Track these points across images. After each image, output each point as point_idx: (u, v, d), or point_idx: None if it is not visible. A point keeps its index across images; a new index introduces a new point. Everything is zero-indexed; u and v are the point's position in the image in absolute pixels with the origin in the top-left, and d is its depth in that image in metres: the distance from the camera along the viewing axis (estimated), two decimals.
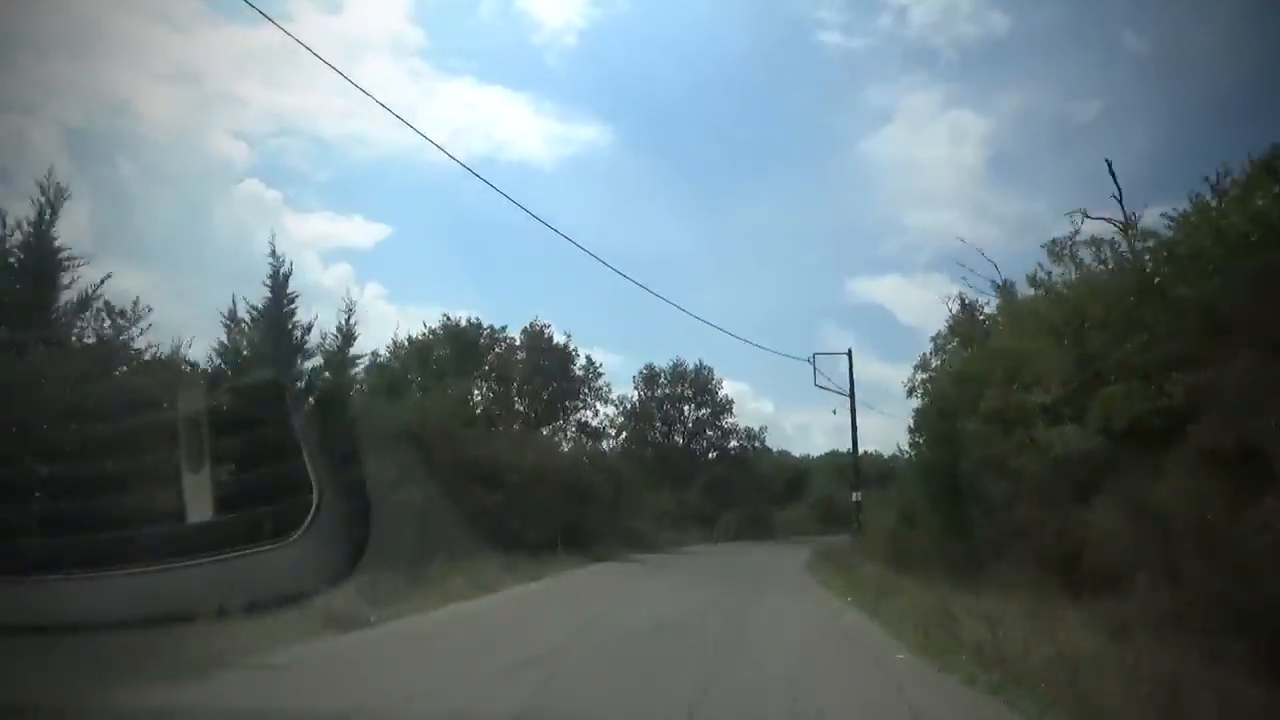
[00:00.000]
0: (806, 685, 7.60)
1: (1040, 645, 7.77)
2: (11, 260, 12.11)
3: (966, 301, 23.45)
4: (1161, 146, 47.15)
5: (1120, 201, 16.59)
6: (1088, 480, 13.16)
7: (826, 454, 76.17)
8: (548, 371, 37.74)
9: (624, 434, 52.56)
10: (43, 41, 38.08)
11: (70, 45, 43.49)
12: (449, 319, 37.54)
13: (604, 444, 39.87)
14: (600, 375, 39.41)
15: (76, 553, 7.59)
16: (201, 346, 15.85)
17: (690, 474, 51.50)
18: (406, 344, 36.25)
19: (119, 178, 47.01)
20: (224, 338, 16.53)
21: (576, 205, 64.25)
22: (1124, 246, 15.87)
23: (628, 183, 68.10)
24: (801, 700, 6.96)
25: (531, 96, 67.84)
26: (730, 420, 53.39)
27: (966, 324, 22.93)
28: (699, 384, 53.15)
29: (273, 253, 17.45)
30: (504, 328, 39.07)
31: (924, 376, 25.39)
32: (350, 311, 19.56)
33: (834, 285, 75.81)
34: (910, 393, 25.91)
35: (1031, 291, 19.77)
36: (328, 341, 18.66)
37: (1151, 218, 15.75)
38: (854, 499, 38.42)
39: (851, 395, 39.00)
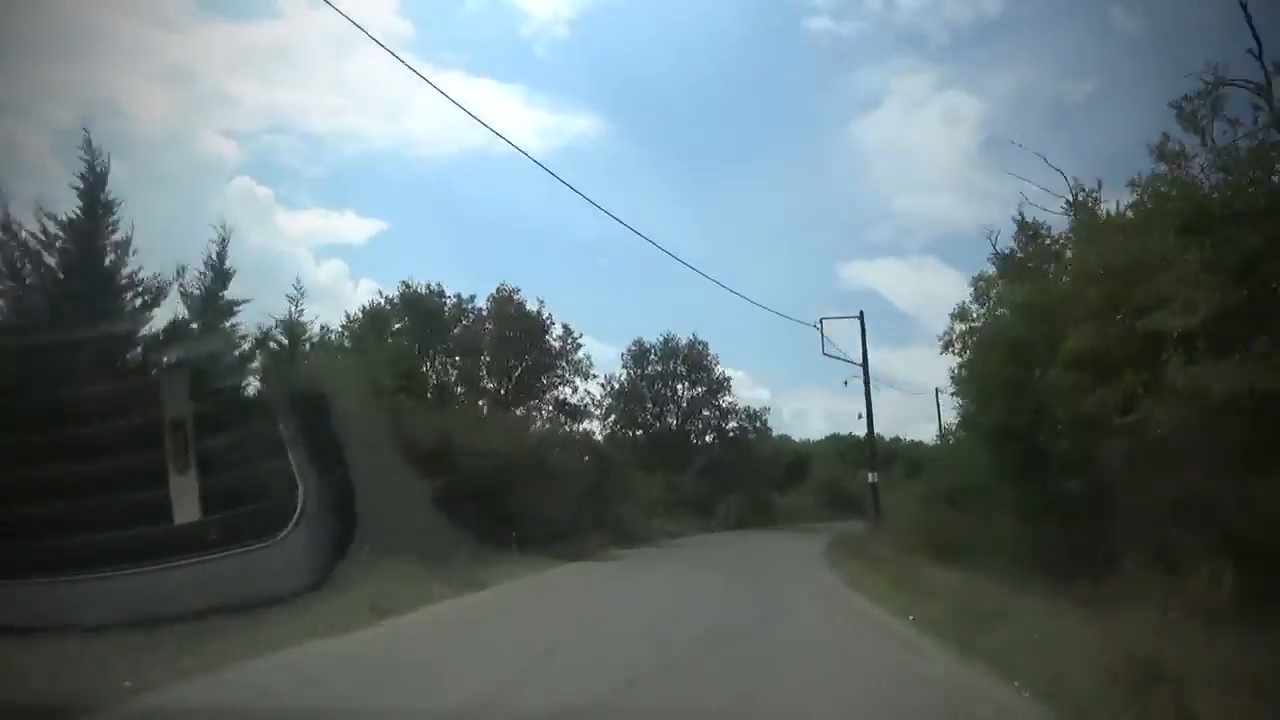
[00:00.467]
0: None
1: None
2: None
3: (1028, 221, 18.62)
4: (1154, 126, 45.24)
5: (1260, 57, 12.12)
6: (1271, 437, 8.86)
7: (828, 437, 72.44)
8: (518, 343, 33.31)
9: (612, 415, 48.25)
10: (32, 43, 36.79)
11: (60, 46, 42.68)
12: (408, 286, 33.07)
13: (587, 425, 35.43)
14: (580, 347, 35.12)
15: (65, 555, 7.49)
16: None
17: (685, 458, 47.17)
18: (360, 315, 32.03)
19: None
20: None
21: (569, 197, 66.91)
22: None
23: (620, 173, 67.74)
24: None
25: (522, 88, 68.61)
26: (728, 399, 49.11)
27: (1026, 249, 18.42)
28: (693, 360, 48.75)
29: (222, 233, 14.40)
30: (472, 297, 34.65)
31: (963, 328, 21.04)
32: (300, 295, 17.08)
33: (826, 271, 75.12)
34: (946, 347, 21.56)
35: (1126, 200, 15.22)
36: (275, 328, 16.26)
37: None
38: (869, 480, 34.17)
39: (865, 364, 34.72)
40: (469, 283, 60.79)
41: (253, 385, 14.26)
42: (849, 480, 62.69)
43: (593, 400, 35.37)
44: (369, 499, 12.19)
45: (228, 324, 14.13)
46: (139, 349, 12.41)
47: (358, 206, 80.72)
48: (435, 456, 19.05)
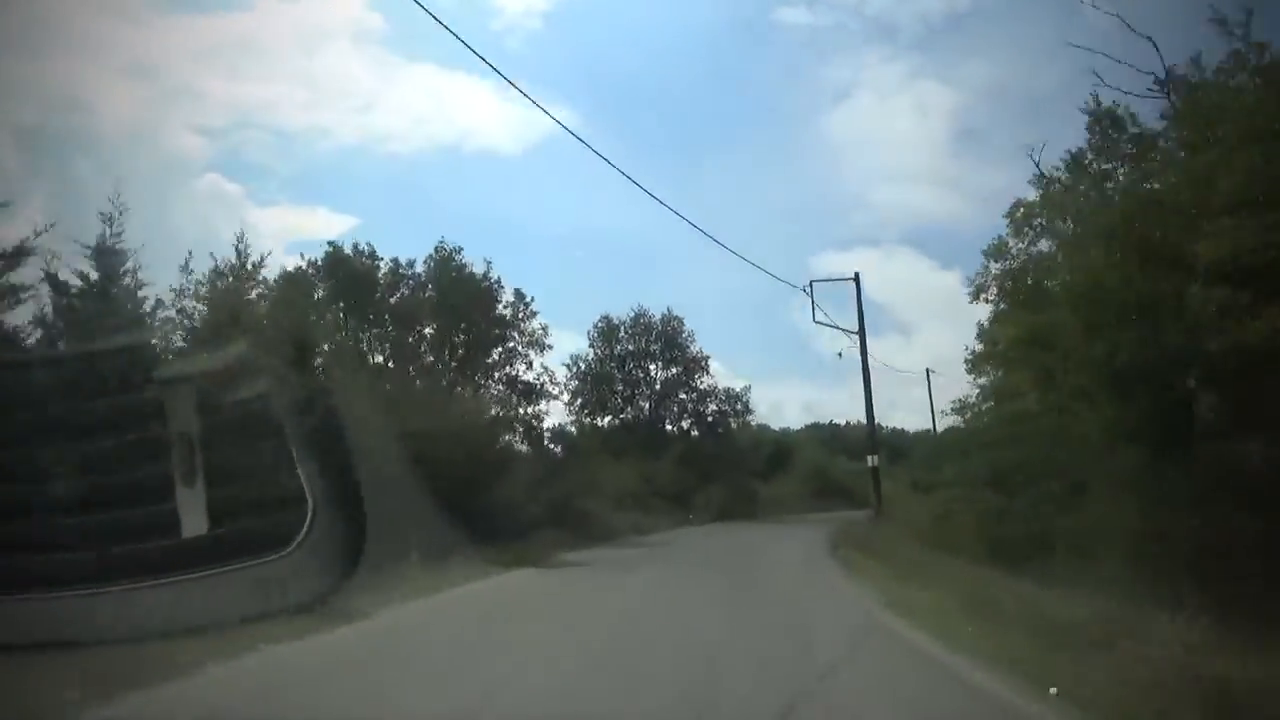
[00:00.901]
0: None
1: None
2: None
3: (1114, 106, 14.01)
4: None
5: None
6: None
7: (807, 426, 68.24)
8: (462, 310, 28.55)
9: (578, 399, 43.60)
10: None
11: (22, 42, 39.30)
12: (333, 247, 28.20)
13: (546, 406, 30.69)
14: (534, 315, 30.32)
15: (71, 569, 6.78)
16: None
17: (659, 445, 42.68)
18: (276, 281, 27.15)
19: (75, 176, 42.97)
20: None
21: (543, 190, 64.00)
22: None
23: (595, 166, 68.31)
24: None
25: (496, 82, 70.17)
26: (706, 380, 44.57)
27: (1108, 141, 13.97)
28: (667, 338, 44.20)
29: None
30: (411, 263, 29.77)
31: (999, 268, 16.78)
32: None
33: (800, 263, 75.87)
34: (978, 294, 17.30)
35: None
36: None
37: None
38: (870, 463, 29.83)
39: (861, 331, 30.33)
40: None
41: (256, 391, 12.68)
42: (838, 468, 58.76)
43: (550, 378, 30.70)
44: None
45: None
46: (143, 361, 10.80)
47: (330, 202, 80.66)
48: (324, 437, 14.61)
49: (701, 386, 44.31)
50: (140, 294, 14.54)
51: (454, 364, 28.77)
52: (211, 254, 17.91)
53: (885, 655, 7.94)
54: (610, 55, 63.42)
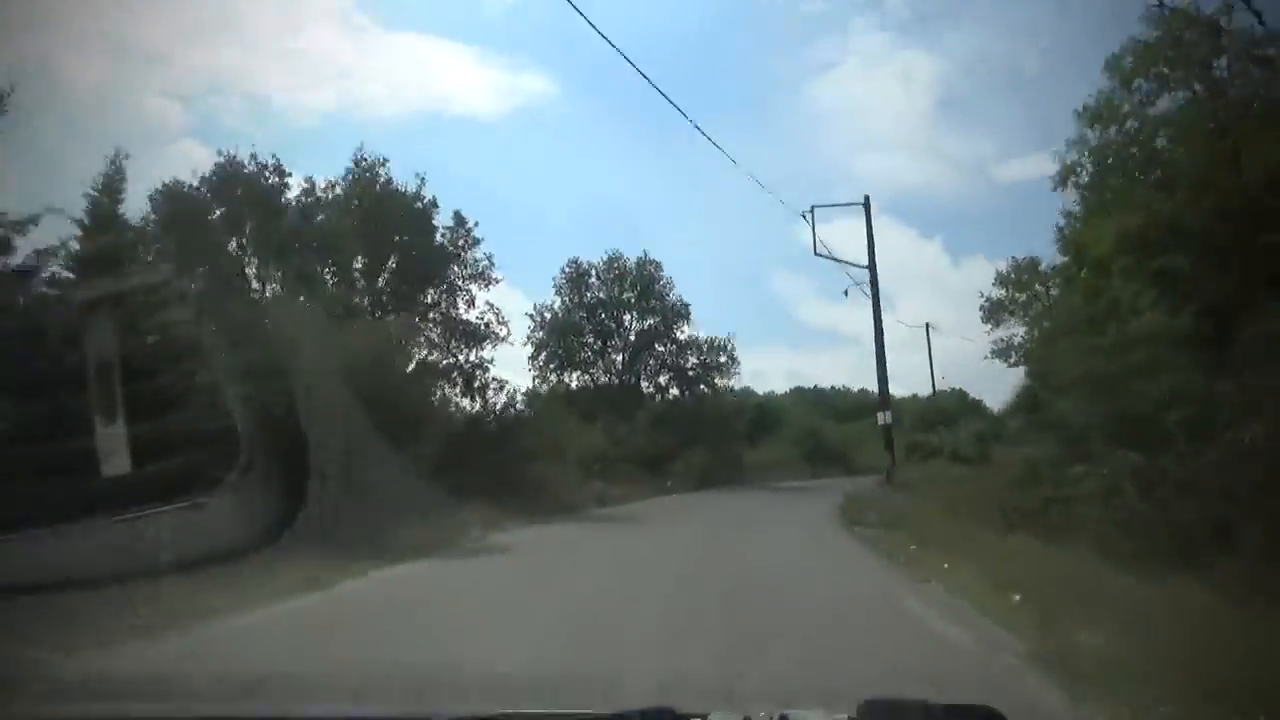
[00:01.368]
0: None
1: None
2: None
3: None
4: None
5: None
6: None
7: (793, 390, 63.65)
8: (387, 236, 23.42)
9: (542, 353, 38.63)
10: None
11: None
12: (229, 156, 22.89)
13: (490, 351, 25.57)
14: (478, 243, 25.16)
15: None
16: None
17: (634, 404, 37.90)
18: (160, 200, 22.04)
19: (44, 143, 40.38)
20: None
21: (526, 157, 61.53)
22: None
23: (577, 133, 64.95)
24: None
25: (477, 48, 65.04)
26: (686, 331, 39.62)
27: None
28: (643, 284, 39.17)
29: None
30: (333, 184, 24.48)
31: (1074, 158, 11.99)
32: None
33: (783, 230, 73.31)
34: (1064, 180, 12.49)
35: None
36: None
37: None
38: (881, 421, 25.12)
39: (872, 263, 25.45)
40: None
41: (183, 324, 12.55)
42: (831, 432, 54.28)
43: (497, 316, 25.59)
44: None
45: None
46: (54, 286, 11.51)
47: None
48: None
49: (681, 338, 39.37)
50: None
51: (382, 300, 23.68)
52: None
53: None
54: (592, 18, 59.17)
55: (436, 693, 4.22)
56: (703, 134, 29.70)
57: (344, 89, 59.52)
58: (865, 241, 25.06)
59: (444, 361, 24.02)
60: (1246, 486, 6.76)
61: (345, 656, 6.14)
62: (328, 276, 23.25)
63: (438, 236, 24.53)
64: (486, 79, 61.95)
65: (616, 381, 39.35)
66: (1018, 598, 6.63)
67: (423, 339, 24.44)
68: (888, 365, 25.86)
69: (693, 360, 39.32)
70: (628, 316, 39.53)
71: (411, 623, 7.82)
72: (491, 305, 25.28)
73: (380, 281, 23.96)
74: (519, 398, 27.90)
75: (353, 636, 7.27)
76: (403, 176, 24.20)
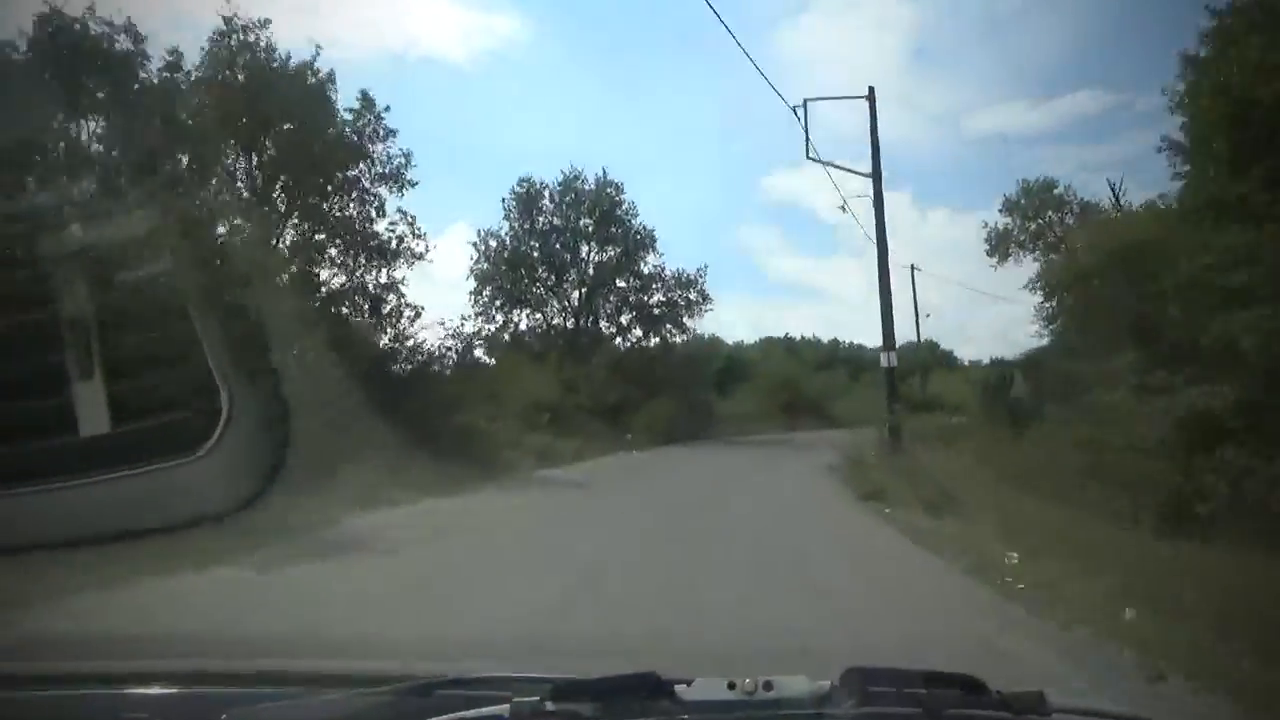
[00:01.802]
0: None
1: None
2: None
3: None
4: (1082, 37, 53.83)
5: None
6: None
7: (762, 340, 59.18)
8: (270, 121, 18.14)
9: (487, 287, 33.58)
10: None
11: None
12: (52, 9, 17.33)
13: (402, 272, 20.41)
14: (391, 136, 19.87)
15: None
16: None
17: (590, 346, 33.17)
18: None
19: None
20: None
21: (494, 101, 59.43)
22: None
23: (547, 77, 61.85)
24: None
25: None
26: (651, 262, 34.68)
27: None
28: (602, 210, 34.08)
29: None
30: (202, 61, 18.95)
31: None
32: None
33: (751, 181, 71.41)
34: None
35: None
36: None
37: None
38: (885, 363, 20.60)
39: (875, 166, 20.70)
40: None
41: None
42: (813, 382, 50.11)
43: (413, 228, 20.31)
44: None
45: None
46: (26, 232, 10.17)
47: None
48: None
49: (645, 271, 34.44)
50: None
51: (262, 202, 18.50)
52: None
53: None
54: None
55: None
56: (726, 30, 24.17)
57: (303, 24, 56.07)
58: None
59: (346, 283, 18.98)
60: None
61: None
62: (191, 172, 18.03)
63: (339, 122, 19.18)
64: (457, 18, 58.87)
65: (572, 322, 34.48)
66: None
67: (326, 255, 19.45)
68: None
69: (658, 297, 34.50)
70: (585, 247, 34.53)
71: None
72: (405, 215, 20.12)
73: (260, 180, 18.73)
74: (444, 332, 22.98)
75: None
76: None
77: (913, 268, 52.21)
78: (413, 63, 54.80)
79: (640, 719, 1.41)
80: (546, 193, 34.15)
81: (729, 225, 69.61)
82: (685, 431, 31.79)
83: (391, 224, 19.82)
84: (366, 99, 19.83)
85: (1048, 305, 29.88)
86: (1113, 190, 26.01)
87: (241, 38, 18.11)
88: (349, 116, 19.21)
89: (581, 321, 34.33)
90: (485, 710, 1.46)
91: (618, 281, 34.34)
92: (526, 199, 34.04)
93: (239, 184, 18.91)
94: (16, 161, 16.03)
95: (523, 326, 34.28)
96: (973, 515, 8.68)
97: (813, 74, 66.28)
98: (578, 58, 63.42)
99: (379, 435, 15.42)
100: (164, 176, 17.45)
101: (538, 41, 60.10)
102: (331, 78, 18.92)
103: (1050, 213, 29.95)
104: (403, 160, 19.76)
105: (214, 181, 18.39)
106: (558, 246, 34.26)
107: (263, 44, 18.48)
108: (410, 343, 20.02)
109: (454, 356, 23.78)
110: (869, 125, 21.03)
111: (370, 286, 19.46)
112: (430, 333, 21.19)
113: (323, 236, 19.47)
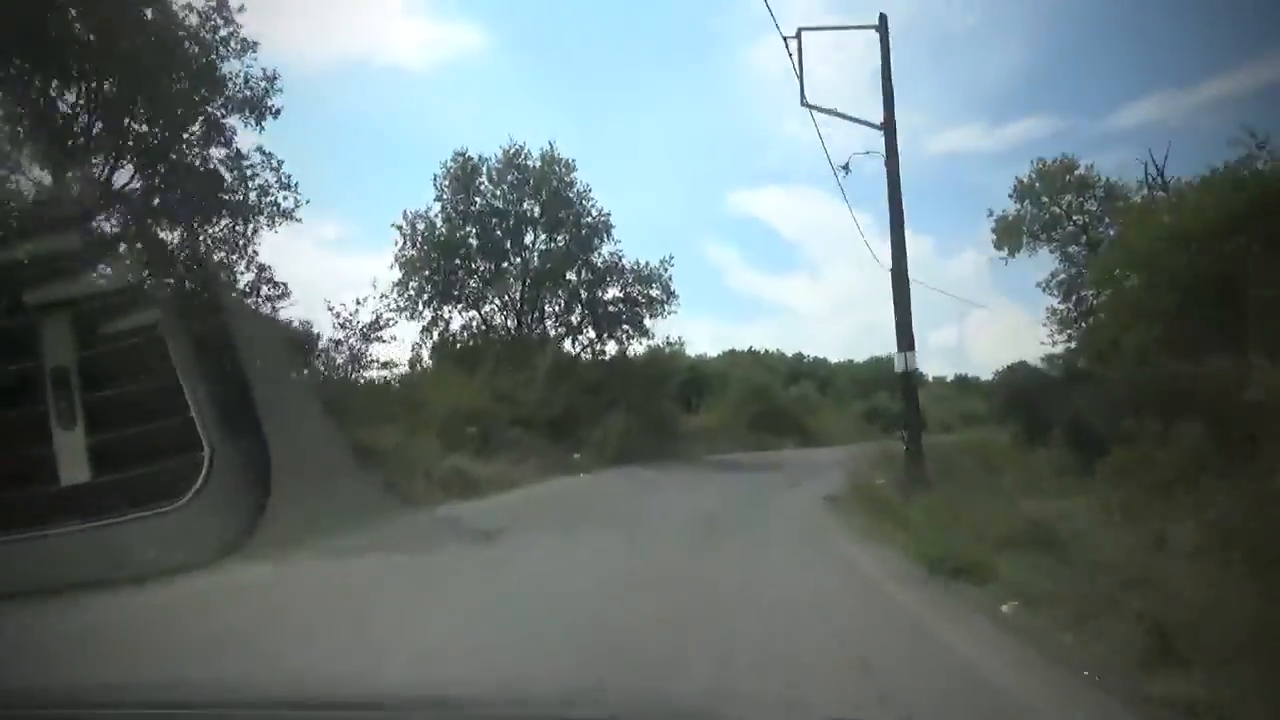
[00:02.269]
0: None
1: None
2: None
3: None
4: (1031, 62, 54.90)
5: None
6: None
7: (726, 353, 54.42)
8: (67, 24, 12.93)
9: (412, 280, 28.41)
10: None
11: None
12: None
13: (265, 229, 15.13)
14: (251, 50, 14.65)
15: None
16: None
17: (536, 349, 28.14)
18: None
19: None
20: None
21: (460, 111, 56.86)
22: None
23: (506, 88, 59.69)
24: None
25: None
26: (608, 251, 29.75)
27: None
28: (551, 191, 29.10)
29: None
30: None
31: None
32: None
33: (717, 197, 70.88)
34: None
35: None
36: None
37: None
38: (901, 366, 15.81)
39: (888, 110, 16.10)
40: (343, 203, 56.34)
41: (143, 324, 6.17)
42: (779, 394, 45.48)
43: (278, 173, 14.97)
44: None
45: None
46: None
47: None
48: None
49: (600, 261, 29.45)
50: None
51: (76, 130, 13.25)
52: None
53: None
54: None
55: None
56: None
57: (263, 29, 50.56)
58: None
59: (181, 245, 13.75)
60: None
61: None
62: None
63: (182, 58, 13.97)
64: (413, 28, 56.17)
65: (514, 322, 29.42)
66: None
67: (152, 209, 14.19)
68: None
69: (614, 292, 29.57)
70: (530, 233, 29.51)
71: None
72: (268, 156, 14.91)
73: (67, 100, 13.51)
74: (336, 322, 17.82)
75: None
76: None
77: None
78: (375, 70, 53.65)
79: None
80: (485, 169, 29.14)
81: (691, 240, 68.11)
82: (644, 450, 26.87)
83: (249, 166, 14.60)
84: (220, 34, 14.53)
85: (1080, 301, 25.87)
86: (1157, 170, 21.89)
87: None
88: (189, 18, 13.96)
89: (524, 320, 29.27)
90: None
91: (567, 274, 29.33)
92: (461, 176, 28.98)
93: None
94: None
95: (456, 325, 29.23)
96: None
97: (780, 87, 66.30)
98: (539, 71, 62.14)
99: (231, 456, 10.43)
100: None
101: (499, 52, 58.50)
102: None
103: (1070, 196, 25.70)
104: (265, 84, 14.60)
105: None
106: (498, 232, 29.21)
107: None
108: (278, 328, 14.80)
109: (348, 353, 18.62)
110: (880, 65, 16.49)
111: (217, 251, 14.20)
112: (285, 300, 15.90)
113: (157, 183, 14.23)
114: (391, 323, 19.51)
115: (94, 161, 13.29)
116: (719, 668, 4.72)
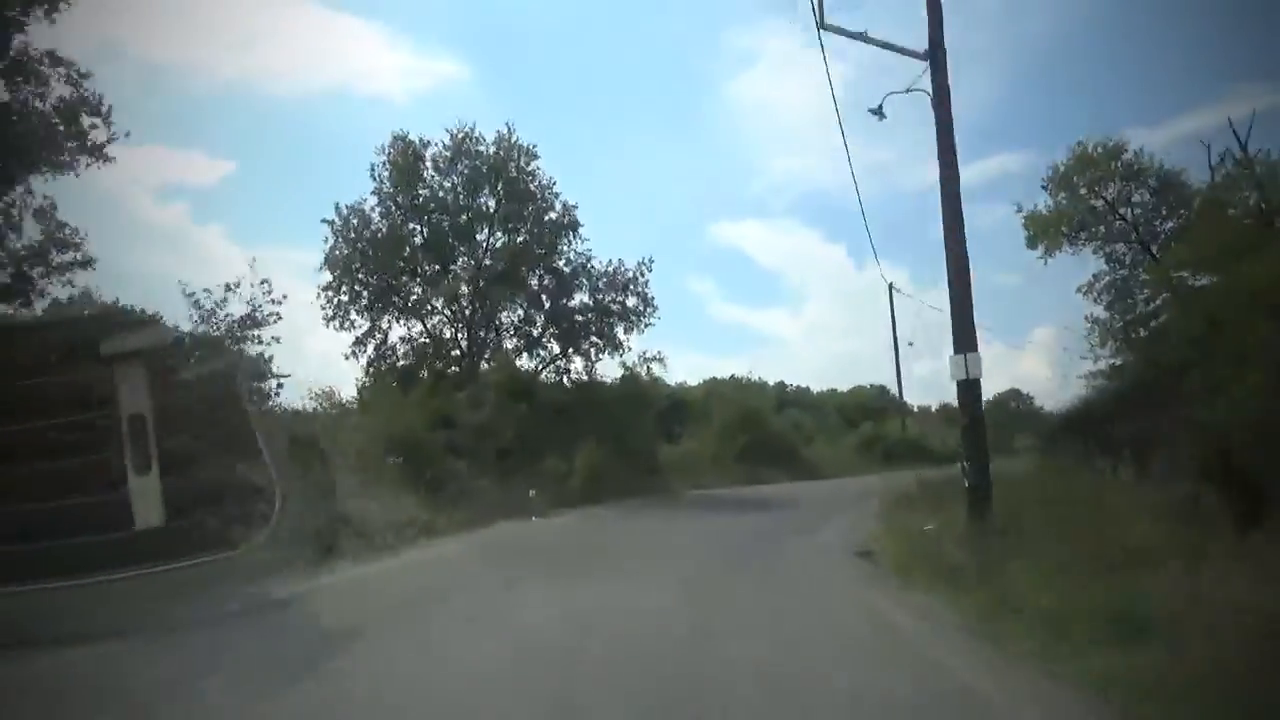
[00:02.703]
0: None
1: None
2: None
3: None
4: (1001, 95, 55.88)
5: None
6: None
7: (706, 380, 49.80)
8: None
9: (343, 285, 24.00)
10: None
11: None
12: None
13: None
14: None
15: (11, 564, 6.97)
16: None
17: (487, 365, 23.73)
18: None
19: None
20: None
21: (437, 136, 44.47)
22: None
23: (485, 122, 50.99)
24: None
25: (384, 27, 60.43)
26: (577, 246, 25.44)
27: None
28: (508, 179, 24.85)
29: None
30: None
31: None
32: None
33: (699, 229, 69.73)
34: None
35: None
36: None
37: None
38: (959, 373, 11.51)
39: (935, 30, 12.01)
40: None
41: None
42: (772, 419, 41.09)
43: (88, 101, 10.55)
44: None
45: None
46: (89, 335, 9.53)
47: (204, 145, 70.23)
48: None
49: (565, 264, 25.12)
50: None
51: None
52: None
53: None
54: (506, 8, 56.19)
55: None
56: None
57: (246, 59, 52.63)
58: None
59: None
60: None
61: None
62: None
63: None
64: (395, 61, 57.79)
65: (464, 334, 24.99)
66: None
67: None
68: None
69: (581, 298, 25.20)
70: (483, 230, 25.17)
71: None
72: (73, 77, 10.53)
73: None
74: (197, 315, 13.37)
75: None
76: None
77: (891, 287, 44.55)
78: (354, 98, 54.23)
79: None
80: (430, 156, 24.88)
81: (672, 272, 67.64)
82: (616, 485, 22.45)
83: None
84: None
85: (1129, 309, 21.88)
86: (1240, 144, 17.99)
87: None
88: None
89: (476, 333, 24.84)
90: None
91: (527, 278, 24.98)
92: (402, 164, 24.68)
93: None
94: None
95: (396, 337, 24.77)
96: None
97: (760, 121, 68.83)
98: (519, 106, 63.93)
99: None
100: None
101: (473, 87, 58.32)
102: None
103: (1116, 185, 21.73)
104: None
105: None
106: (445, 228, 24.88)
107: None
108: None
109: (230, 356, 14.12)
110: None
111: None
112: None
113: None
114: (273, 319, 15.11)
115: None
116: None
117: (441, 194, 24.99)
